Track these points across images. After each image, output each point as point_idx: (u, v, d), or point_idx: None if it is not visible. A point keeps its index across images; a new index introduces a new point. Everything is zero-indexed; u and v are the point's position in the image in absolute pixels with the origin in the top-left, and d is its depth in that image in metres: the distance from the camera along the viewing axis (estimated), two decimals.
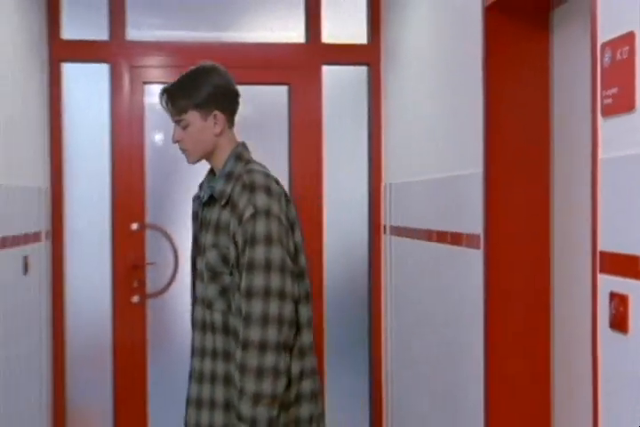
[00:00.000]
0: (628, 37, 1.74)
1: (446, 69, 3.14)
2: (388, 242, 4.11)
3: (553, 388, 2.62)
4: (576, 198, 2.42)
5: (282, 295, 2.05)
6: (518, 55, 2.60)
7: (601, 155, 1.88)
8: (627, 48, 1.75)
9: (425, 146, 3.45)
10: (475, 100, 2.72)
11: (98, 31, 4.09)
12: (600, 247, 1.88)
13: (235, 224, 2.09)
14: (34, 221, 3.68)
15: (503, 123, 2.61)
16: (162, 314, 4.11)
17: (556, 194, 2.59)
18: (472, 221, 2.76)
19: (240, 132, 4.53)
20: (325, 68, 4.24)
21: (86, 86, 4.14)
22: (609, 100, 1.83)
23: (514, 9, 2.56)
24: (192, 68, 2.26)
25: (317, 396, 2.21)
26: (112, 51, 4.09)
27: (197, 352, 2.19)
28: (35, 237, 3.67)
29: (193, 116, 2.19)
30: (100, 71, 4.09)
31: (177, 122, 2.22)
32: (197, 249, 2.23)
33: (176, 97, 2.20)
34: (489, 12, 2.60)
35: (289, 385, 2.10)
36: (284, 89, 4.23)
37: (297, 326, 2.13)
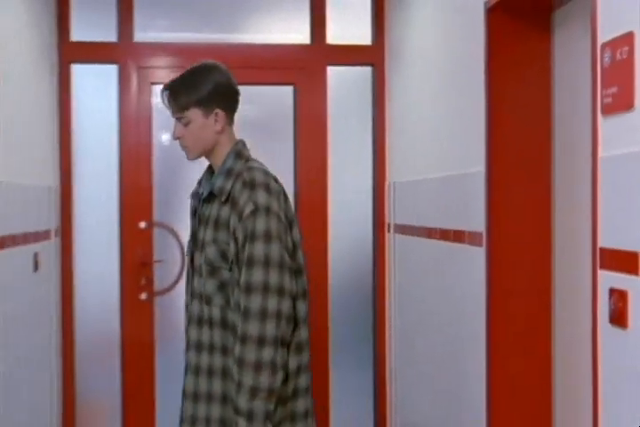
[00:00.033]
0: (628, 38, 1.75)
1: (450, 69, 3.15)
2: (392, 240, 4.12)
3: (554, 384, 2.63)
4: (577, 196, 2.43)
5: (280, 291, 2.06)
6: (520, 55, 2.60)
7: (601, 153, 1.89)
8: (626, 48, 1.76)
9: (428, 145, 3.46)
10: (477, 100, 2.73)
11: (106, 33, 4.10)
12: (600, 244, 1.89)
13: (235, 220, 2.10)
14: (44, 219, 3.70)
15: (505, 122, 2.62)
16: (169, 311, 4.12)
17: (558, 192, 2.60)
18: (474, 218, 2.77)
19: (246, 131, 4.54)
20: (330, 69, 4.25)
21: (95, 87, 4.16)
22: (609, 99, 1.84)
23: (516, 10, 2.57)
24: (194, 65, 2.26)
25: (311, 391, 2.24)
26: (120, 52, 4.10)
27: (194, 346, 2.19)
28: (45, 235, 3.69)
29: (195, 114, 2.19)
30: (109, 72, 4.11)
31: (178, 119, 2.21)
32: (195, 244, 2.23)
33: (178, 94, 2.19)
34: (491, 13, 2.61)
35: (286, 380, 2.12)
36: (289, 89, 4.24)
37: (295, 322, 2.14)
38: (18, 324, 3.22)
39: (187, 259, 2.34)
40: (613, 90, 1.81)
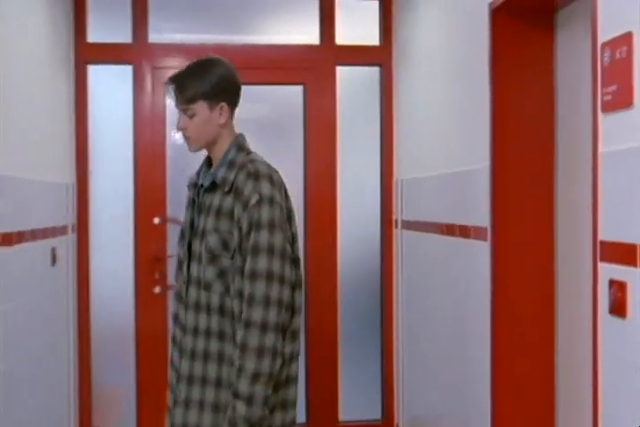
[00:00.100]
0: (627, 37, 1.77)
1: (455, 69, 3.17)
2: (400, 235, 4.14)
3: (557, 376, 2.64)
4: (578, 191, 2.44)
5: (282, 279, 2.09)
6: (524, 55, 2.62)
7: (601, 149, 1.92)
8: (625, 48, 1.78)
9: (435, 143, 3.48)
10: (482, 99, 2.75)
11: (121, 35, 4.13)
12: (600, 237, 1.91)
13: (239, 210, 2.12)
14: (61, 214, 3.74)
15: (509, 120, 2.64)
16: None
17: (560, 187, 2.61)
18: (479, 214, 2.79)
19: (257, 130, 4.60)
20: (339, 69, 4.27)
21: (110, 87, 4.19)
22: (608, 97, 1.86)
23: (519, 11, 2.58)
24: (199, 59, 2.26)
25: (298, 380, 2.25)
26: (135, 53, 4.14)
27: (190, 331, 2.19)
28: (62, 230, 3.73)
29: (201, 107, 2.20)
30: (124, 72, 4.14)
31: (183, 110, 2.21)
32: (193, 233, 2.24)
33: (185, 86, 2.19)
34: (496, 14, 2.62)
35: (281, 367, 2.13)
36: (299, 89, 4.26)
37: (291, 311, 2.16)
38: (36, 316, 3.26)
39: (179, 247, 2.34)
40: (613, 88, 1.84)
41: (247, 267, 2.09)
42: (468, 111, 2.97)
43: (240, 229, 2.12)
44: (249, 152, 2.25)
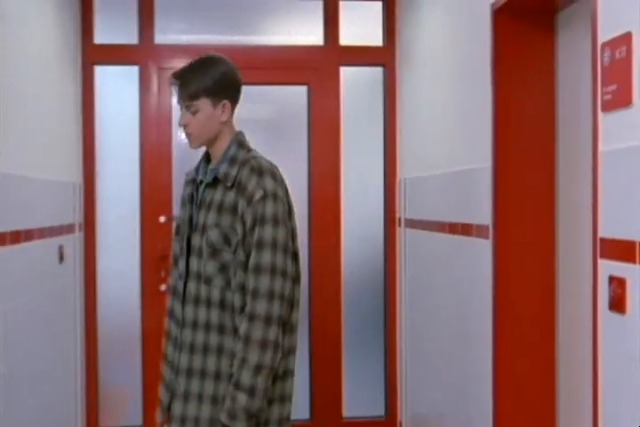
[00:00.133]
0: (626, 37, 1.78)
1: (458, 69, 3.18)
2: (403, 234, 4.16)
3: (558, 373, 2.65)
4: (579, 189, 2.45)
5: (284, 274, 2.12)
6: (525, 55, 2.63)
7: (601, 147, 1.93)
8: (624, 48, 1.79)
9: (437, 142, 3.50)
10: (484, 99, 2.76)
11: (128, 36, 4.16)
12: (600, 234, 1.92)
13: (243, 205, 2.13)
14: (68, 213, 3.77)
15: (511, 119, 2.65)
16: None
17: (561, 185, 2.62)
18: (481, 212, 2.80)
19: (262, 129, 4.62)
20: (343, 69, 4.29)
21: (117, 87, 4.21)
22: (608, 97, 1.87)
23: (521, 11, 2.60)
24: (202, 56, 2.27)
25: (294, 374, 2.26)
26: (141, 54, 4.16)
27: (189, 325, 2.20)
28: (69, 229, 3.76)
29: (204, 103, 2.21)
30: (130, 73, 4.17)
31: (187, 107, 2.22)
32: (191, 228, 2.25)
33: (189, 82, 2.20)
34: (498, 15, 2.64)
35: (280, 360, 2.15)
36: (303, 89, 4.28)
37: (291, 305, 2.19)
38: (44, 312, 3.28)
39: (176, 242, 2.35)
40: (613, 87, 1.85)
41: (252, 261, 2.11)
42: (471, 111, 2.98)
43: (244, 223, 2.14)
44: (249, 149, 2.27)
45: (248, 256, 2.14)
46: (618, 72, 1.82)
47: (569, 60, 2.56)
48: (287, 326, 2.18)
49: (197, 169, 2.32)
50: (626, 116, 1.81)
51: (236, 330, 2.15)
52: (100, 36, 4.14)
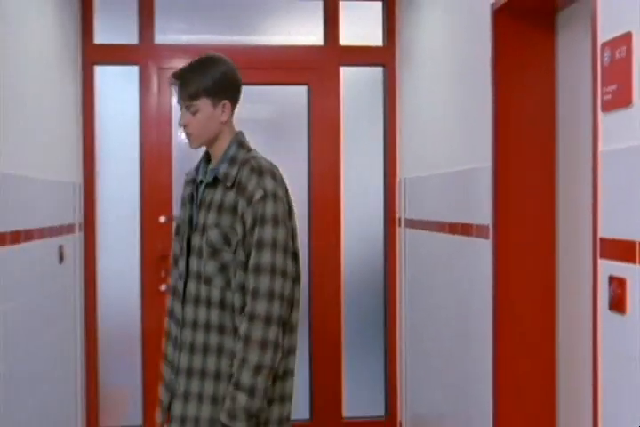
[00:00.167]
0: (626, 37, 1.79)
1: (458, 69, 3.18)
2: (403, 234, 4.16)
3: (558, 373, 2.65)
4: (579, 189, 2.46)
5: (284, 274, 2.12)
6: (525, 55, 2.63)
7: (601, 147, 1.93)
8: (624, 48, 1.79)
9: (437, 142, 3.50)
10: (484, 99, 2.77)
11: (128, 36, 4.17)
12: (600, 234, 1.92)
13: (243, 205, 2.14)
14: (68, 213, 3.77)
15: (511, 119, 2.65)
16: None
17: (561, 185, 2.63)
18: (481, 212, 2.80)
19: (262, 129, 4.61)
20: (343, 69, 4.30)
21: (117, 87, 4.21)
22: (608, 97, 1.87)
23: (521, 11, 2.60)
24: (202, 56, 2.27)
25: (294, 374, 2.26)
26: (141, 54, 4.17)
27: (189, 325, 2.20)
28: (69, 229, 3.76)
29: (204, 103, 2.21)
30: (130, 73, 4.17)
31: (187, 107, 2.22)
32: (193, 228, 2.25)
33: (189, 82, 2.20)
34: (498, 15, 2.64)
35: (280, 360, 2.15)
36: (303, 89, 4.29)
37: (291, 305, 2.19)
38: (44, 312, 3.29)
39: (176, 242, 2.35)
40: (613, 87, 1.85)
41: (252, 261, 2.11)
42: (471, 111, 2.99)
43: (244, 223, 2.14)
44: (249, 149, 2.27)
45: (248, 256, 2.14)
46: (618, 72, 1.83)
47: (569, 59, 2.56)
48: (287, 326, 2.18)
49: (197, 169, 2.32)
50: (626, 116, 1.81)
51: (236, 330, 2.15)
52: (100, 36, 4.15)
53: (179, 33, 4.27)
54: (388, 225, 4.31)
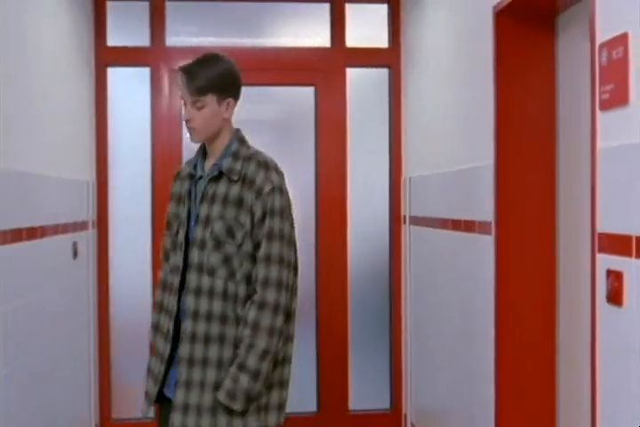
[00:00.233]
0: (623, 38, 1.80)
1: (461, 70, 3.20)
2: (408, 231, 4.18)
3: (558, 369, 2.66)
4: (578, 186, 2.47)
5: (289, 265, 2.19)
6: (526, 56, 2.65)
7: (599, 145, 1.95)
8: (621, 48, 1.81)
9: (441, 141, 3.52)
10: (486, 99, 2.78)
11: (140, 38, 4.19)
12: (598, 229, 1.94)
13: (252, 198, 2.18)
14: (82, 210, 3.80)
15: (512, 119, 2.67)
16: None
17: (561, 182, 2.64)
18: (484, 209, 2.82)
19: (269, 129, 4.63)
20: (349, 71, 4.31)
21: (129, 88, 4.24)
22: (606, 95, 1.89)
23: (522, 13, 2.61)
24: (207, 54, 2.29)
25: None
26: (153, 56, 4.19)
27: (189, 315, 2.21)
28: (83, 226, 3.80)
29: (210, 100, 2.23)
30: (142, 74, 4.20)
31: (192, 102, 2.23)
32: (193, 220, 2.26)
33: (197, 78, 2.22)
34: (499, 16, 2.65)
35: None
36: (310, 90, 4.30)
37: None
38: (59, 307, 3.32)
39: (167, 237, 2.36)
40: (610, 87, 1.86)
41: (262, 251, 2.16)
42: (473, 110, 3.00)
43: (252, 215, 2.18)
44: (249, 146, 2.31)
45: (255, 247, 2.18)
46: (615, 72, 1.84)
47: (569, 60, 2.58)
48: (288, 315, 2.23)
49: (195, 164, 2.33)
50: (623, 115, 1.82)
51: (237, 319, 2.18)
52: (113, 39, 4.18)
53: (189, 35, 4.29)
54: (393, 223, 4.33)
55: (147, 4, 4.19)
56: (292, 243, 2.20)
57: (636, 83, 1.76)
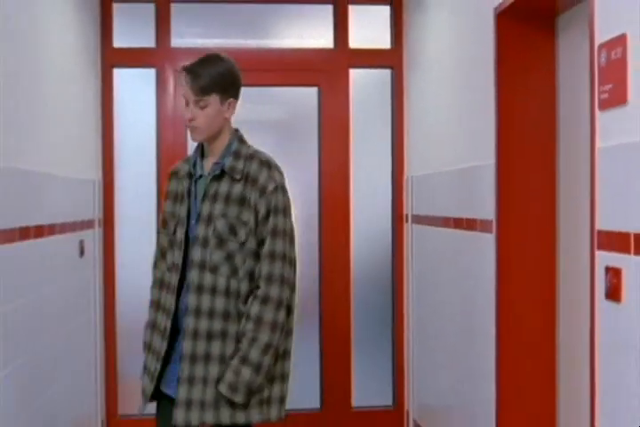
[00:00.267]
0: (621, 39, 1.81)
1: (463, 71, 3.21)
2: (410, 230, 4.19)
3: (559, 364, 2.67)
4: (578, 185, 2.48)
5: (291, 261, 2.22)
6: (527, 57, 2.66)
7: (598, 144, 1.96)
8: (620, 49, 1.82)
9: (443, 141, 3.53)
10: (488, 99, 2.79)
11: (145, 40, 4.21)
12: (597, 226, 1.95)
13: (256, 196, 2.21)
14: (88, 209, 3.82)
15: (513, 119, 2.68)
16: None
17: (561, 181, 2.65)
18: (485, 207, 2.83)
19: (274, 130, 4.65)
20: (352, 71, 4.33)
21: (135, 89, 4.26)
22: (605, 95, 1.90)
23: (523, 14, 2.62)
24: (209, 53, 2.32)
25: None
26: (158, 57, 4.21)
27: (191, 312, 2.22)
28: (89, 224, 3.81)
29: (214, 100, 2.25)
30: (148, 75, 4.21)
31: (196, 101, 2.25)
32: (194, 219, 2.27)
33: (202, 78, 2.24)
34: (500, 18, 2.67)
35: None
36: (314, 90, 4.32)
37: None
38: (66, 304, 3.34)
39: (163, 235, 2.37)
40: (609, 86, 1.88)
41: (266, 248, 2.18)
42: (474, 110, 3.02)
43: (256, 213, 2.21)
44: (248, 145, 2.34)
45: (259, 244, 2.21)
46: (614, 72, 1.85)
47: (569, 61, 2.59)
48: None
49: (194, 163, 2.34)
50: (621, 114, 1.84)
51: (239, 316, 2.20)
52: (119, 40, 4.20)
53: (194, 37, 4.31)
54: (395, 222, 4.34)
55: (152, 5, 4.21)
56: (293, 240, 2.24)
57: (634, 83, 1.78)
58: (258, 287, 2.20)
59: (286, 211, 2.23)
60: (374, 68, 4.36)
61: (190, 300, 2.23)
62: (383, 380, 4.36)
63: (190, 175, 2.33)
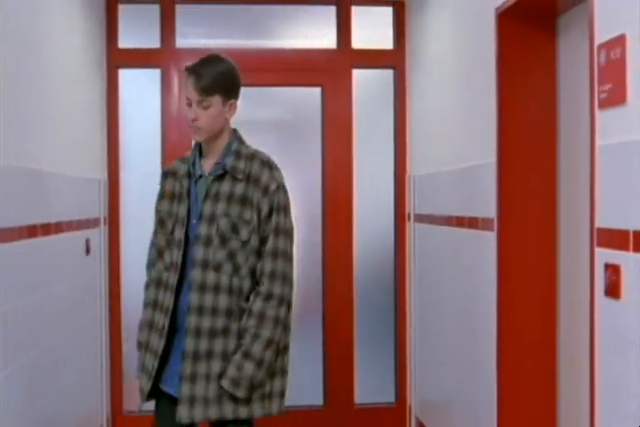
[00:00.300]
0: (621, 39, 1.83)
1: (464, 71, 3.22)
2: (412, 228, 4.21)
3: (560, 361, 2.68)
4: (578, 183, 2.50)
5: (291, 258, 2.26)
6: (528, 57, 2.67)
7: (598, 142, 1.98)
8: (619, 49, 1.83)
9: (445, 140, 3.54)
10: (489, 98, 2.80)
11: (150, 40, 4.22)
12: (597, 224, 1.97)
13: (258, 195, 2.24)
14: (94, 208, 3.84)
15: (514, 118, 2.69)
16: None
17: (561, 180, 2.67)
18: (487, 206, 2.84)
19: (277, 130, 4.66)
20: (355, 72, 4.34)
21: (140, 89, 4.28)
22: (604, 95, 1.92)
23: (524, 15, 2.63)
24: (210, 54, 2.35)
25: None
26: (163, 57, 4.22)
27: (194, 311, 2.23)
28: (95, 223, 3.83)
29: (217, 100, 2.28)
30: (153, 76, 4.23)
31: (198, 102, 2.27)
32: (188, 220, 2.29)
33: (206, 79, 2.26)
34: (501, 18, 2.68)
35: None
36: (317, 90, 4.33)
37: None
38: (72, 301, 3.36)
39: (160, 235, 2.41)
40: (608, 86, 1.89)
41: (269, 245, 2.21)
42: (476, 110, 3.03)
43: (259, 212, 2.23)
44: (247, 145, 2.37)
45: (261, 242, 2.23)
46: (613, 72, 1.87)
47: (569, 61, 2.60)
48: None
49: (193, 163, 2.35)
50: (620, 113, 1.85)
51: (240, 313, 2.22)
52: (124, 41, 4.21)
53: (199, 37, 4.33)
54: (398, 221, 4.35)
55: (157, 6, 4.23)
56: (292, 238, 2.28)
57: (633, 83, 1.79)
58: (259, 284, 2.22)
59: (287, 209, 2.27)
60: (377, 68, 4.37)
61: (192, 298, 2.24)
62: (386, 377, 4.37)
63: (189, 175, 2.34)
